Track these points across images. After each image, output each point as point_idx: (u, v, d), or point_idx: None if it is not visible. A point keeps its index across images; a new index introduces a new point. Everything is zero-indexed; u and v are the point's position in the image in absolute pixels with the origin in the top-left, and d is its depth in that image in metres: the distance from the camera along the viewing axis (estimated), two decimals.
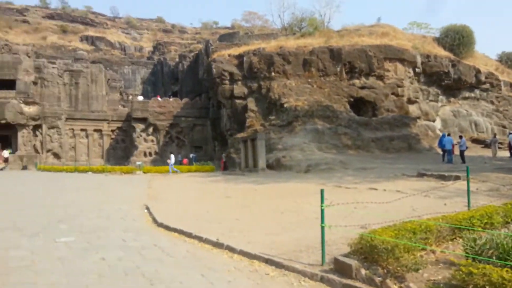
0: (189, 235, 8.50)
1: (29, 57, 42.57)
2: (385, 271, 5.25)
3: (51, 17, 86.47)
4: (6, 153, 39.59)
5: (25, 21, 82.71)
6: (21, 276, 5.94)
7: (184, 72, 55.44)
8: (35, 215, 11.38)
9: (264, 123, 30.86)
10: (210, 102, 41.68)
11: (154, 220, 10.41)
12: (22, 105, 39.59)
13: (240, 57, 34.26)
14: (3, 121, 38.75)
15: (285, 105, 30.25)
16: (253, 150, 26.04)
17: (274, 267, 6.21)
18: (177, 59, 61.96)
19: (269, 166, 25.32)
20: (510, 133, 27.37)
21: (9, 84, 39.88)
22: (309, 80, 32.09)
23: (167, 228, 9.34)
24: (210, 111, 41.62)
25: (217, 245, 7.61)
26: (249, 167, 26.43)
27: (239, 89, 33.38)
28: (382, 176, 17.26)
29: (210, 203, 13.12)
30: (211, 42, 42.61)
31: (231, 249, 7.24)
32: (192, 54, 55.08)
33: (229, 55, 35.18)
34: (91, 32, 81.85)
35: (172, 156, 32.55)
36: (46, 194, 16.94)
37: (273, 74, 32.05)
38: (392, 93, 33.31)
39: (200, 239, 8.12)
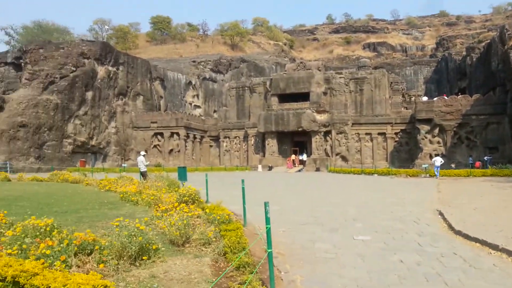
0: (495, 247, 7.52)
1: (319, 70, 47.80)
2: None
3: (336, 31, 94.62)
4: (304, 156, 45.49)
5: (314, 39, 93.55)
6: (327, 267, 6.59)
7: (472, 66, 50.43)
8: (331, 212, 12.46)
9: None
10: (508, 96, 36.13)
11: (450, 227, 9.72)
12: (315, 114, 44.66)
13: None
14: (299, 129, 44.87)
15: None
16: None
17: None
18: (464, 53, 57.09)
19: None
20: None
21: (304, 96, 46.09)
22: None
23: (466, 236, 8.55)
24: (508, 107, 36.05)
25: None
26: None
27: None
28: None
29: None
30: (507, 27, 37.00)
31: None
32: (483, 44, 49.45)
33: None
34: (372, 39, 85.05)
35: (438, 158, 29.51)
36: (338, 194, 18.43)
37: None
38: None
39: (509, 253, 7.07)
